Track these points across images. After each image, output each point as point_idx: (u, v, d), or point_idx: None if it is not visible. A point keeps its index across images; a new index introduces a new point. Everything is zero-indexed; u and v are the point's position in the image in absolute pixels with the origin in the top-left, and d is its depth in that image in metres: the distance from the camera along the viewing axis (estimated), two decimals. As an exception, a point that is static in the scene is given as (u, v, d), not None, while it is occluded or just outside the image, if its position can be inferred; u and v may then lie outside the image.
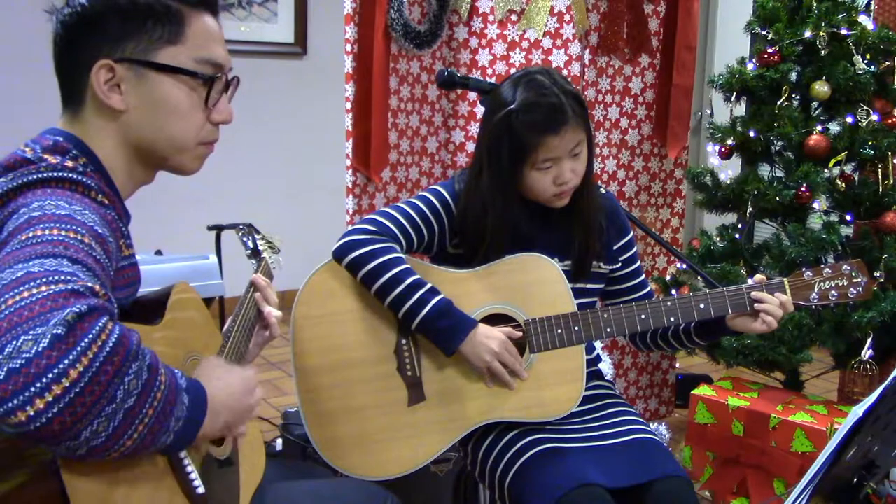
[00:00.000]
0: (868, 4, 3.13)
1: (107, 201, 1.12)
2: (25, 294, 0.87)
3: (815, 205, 2.76)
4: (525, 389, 1.76)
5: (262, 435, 1.56)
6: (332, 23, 4.00)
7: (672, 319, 1.78)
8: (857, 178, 2.89)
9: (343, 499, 1.49)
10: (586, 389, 1.81)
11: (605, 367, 2.51)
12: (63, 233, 0.97)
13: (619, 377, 3.28)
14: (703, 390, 2.65)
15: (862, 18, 2.79)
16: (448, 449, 1.76)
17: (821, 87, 2.76)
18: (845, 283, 1.82)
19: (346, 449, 1.73)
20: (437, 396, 1.75)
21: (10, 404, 0.83)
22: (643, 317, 1.78)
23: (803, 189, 2.71)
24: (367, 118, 2.70)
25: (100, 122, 1.16)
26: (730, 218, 3.05)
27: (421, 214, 1.78)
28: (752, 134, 2.86)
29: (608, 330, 1.78)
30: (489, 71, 2.92)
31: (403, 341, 1.76)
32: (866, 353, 2.64)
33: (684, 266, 2.94)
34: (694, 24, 3.16)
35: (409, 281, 1.68)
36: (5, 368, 0.83)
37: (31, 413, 0.83)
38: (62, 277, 0.90)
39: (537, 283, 1.78)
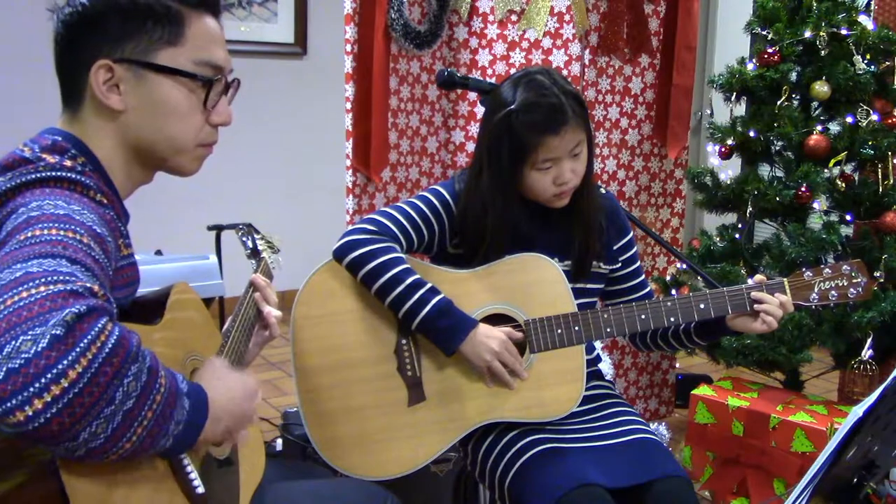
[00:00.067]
0: (868, 4, 3.13)
1: (105, 201, 1.12)
2: (24, 294, 0.87)
3: (815, 205, 2.75)
4: (525, 389, 1.76)
5: (262, 435, 1.56)
6: (332, 23, 4.00)
7: (672, 319, 1.78)
8: (857, 178, 2.89)
9: (343, 499, 1.49)
10: (586, 389, 1.81)
11: (605, 367, 2.51)
12: (62, 232, 0.97)
13: (619, 377, 3.28)
14: (703, 390, 2.65)
15: (862, 18, 2.79)
16: (448, 449, 1.76)
17: (821, 87, 2.76)
18: (845, 284, 1.82)
19: (346, 449, 1.73)
20: (437, 396, 1.75)
21: (8, 404, 0.83)
22: (643, 317, 1.78)
23: (803, 189, 2.71)
24: (367, 118, 2.70)
25: (98, 122, 1.16)
26: (730, 218, 3.05)
27: (421, 214, 1.78)
28: (752, 134, 2.86)
29: (608, 330, 1.78)
30: (489, 71, 2.92)
31: (403, 341, 1.76)
32: (866, 353, 2.64)
33: (684, 266, 2.94)
34: (694, 24, 3.16)
35: (409, 281, 1.68)
36: (4, 368, 0.83)
37: (30, 413, 0.83)
38: (61, 278, 0.90)
39: (537, 283, 1.78)
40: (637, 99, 3.19)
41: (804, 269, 1.83)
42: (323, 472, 2.16)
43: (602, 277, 1.89)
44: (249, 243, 1.78)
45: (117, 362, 0.89)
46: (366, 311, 1.75)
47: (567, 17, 2.84)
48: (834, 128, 2.83)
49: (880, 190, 2.79)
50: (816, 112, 2.88)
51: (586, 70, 2.99)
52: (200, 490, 1.10)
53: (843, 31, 2.75)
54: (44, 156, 1.10)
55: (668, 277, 3.15)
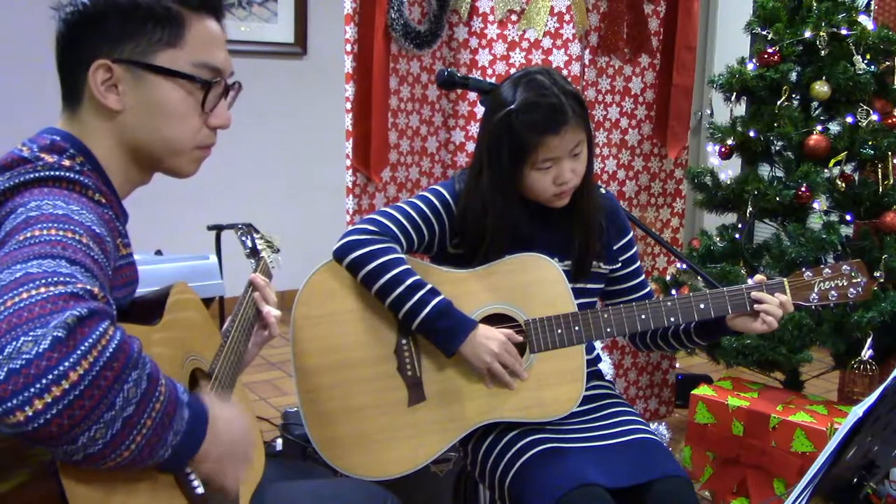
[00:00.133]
0: (868, 4, 3.13)
1: (104, 200, 1.12)
2: (24, 295, 0.87)
3: (815, 205, 2.75)
4: (525, 389, 1.76)
5: (262, 435, 1.56)
6: (332, 23, 4.00)
7: (672, 319, 1.78)
8: (857, 178, 2.89)
9: (343, 499, 1.49)
10: (586, 389, 1.81)
11: (605, 367, 2.51)
12: (61, 233, 0.97)
13: (619, 377, 3.28)
14: (703, 390, 2.65)
15: (862, 18, 2.78)
16: (448, 449, 1.76)
17: (821, 87, 2.76)
18: (845, 284, 1.82)
19: (346, 449, 1.73)
20: (437, 396, 1.75)
21: (9, 404, 0.83)
22: (643, 317, 1.78)
23: (803, 189, 2.71)
24: (367, 118, 2.70)
25: (96, 122, 1.16)
26: (730, 218, 3.04)
27: (421, 214, 1.78)
28: (752, 134, 2.86)
29: (608, 330, 1.78)
30: (489, 71, 2.92)
31: (403, 341, 1.76)
32: (866, 353, 2.64)
33: (684, 266, 2.94)
34: (694, 24, 3.16)
35: (409, 281, 1.68)
36: (5, 369, 0.83)
37: (30, 414, 0.83)
38: (61, 279, 0.90)
39: (537, 283, 1.78)
40: (637, 99, 3.19)
41: (804, 269, 1.83)
42: (323, 472, 2.17)
43: (602, 277, 1.89)
44: (249, 243, 1.78)
45: (118, 367, 0.89)
46: (366, 311, 1.75)
47: (567, 17, 2.84)
48: (834, 128, 2.83)
49: (880, 190, 2.79)
50: (816, 112, 2.88)
51: (586, 70, 2.99)
52: (200, 490, 1.10)
53: (843, 31, 2.75)
54: (42, 155, 1.10)
55: (668, 277, 3.15)
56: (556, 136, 1.67)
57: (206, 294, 2.79)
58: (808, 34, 2.77)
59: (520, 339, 1.74)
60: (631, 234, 1.94)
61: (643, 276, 1.96)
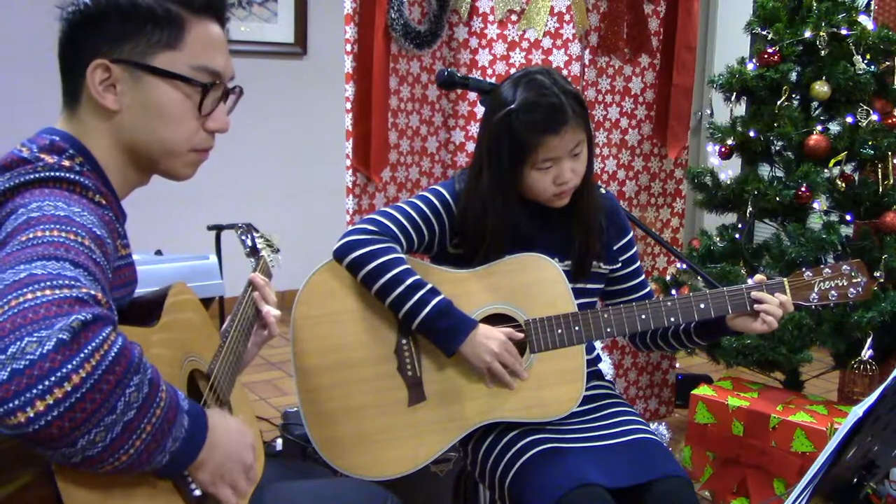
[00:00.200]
0: (868, 4, 3.13)
1: (104, 201, 1.12)
2: (29, 296, 0.87)
3: (815, 205, 2.75)
4: (525, 389, 1.76)
5: (262, 435, 1.56)
6: (332, 23, 4.00)
7: (672, 319, 1.78)
8: (857, 178, 2.89)
9: (343, 499, 1.49)
10: (586, 389, 1.81)
11: (605, 367, 2.51)
12: (63, 234, 0.97)
13: (619, 377, 3.28)
14: (703, 390, 2.65)
15: (862, 18, 2.78)
16: (448, 449, 1.76)
17: (821, 87, 2.76)
18: (845, 284, 1.82)
19: (346, 449, 1.73)
20: (437, 396, 1.75)
21: (10, 404, 0.83)
22: (643, 317, 1.78)
23: (803, 189, 2.71)
24: (367, 118, 2.70)
25: (94, 122, 1.16)
26: (730, 218, 3.04)
27: (421, 214, 1.78)
28: (752, 134, 2.86)
29: (608, 330, 1.78)
30: (489, 71, 2.92)
31: (404, 341, 1.76)
32: (866, 353, 2.64)
33: (684, 266, 2.94)
34: (694, 24, 3.16)
35: (409, 281, 1.68)
36: (9, 369, 0.83)
37: (31, 415, 0.83)
38: (66, 282, 0.90)
39: (537, 283, 1.78)
40: (637, 99, 3.19)
41: (804, 269, 1.83)
42: (323, 472, 2.16)
43: (602, 277, 1.89)
44: (248, 242, 1.78)
45: (119, 371, 0.89)
46: (366, 311, 1.75)
47: (567, 17, 2.84)
48: (834, 128, 2.83)
49: (880, 190, 2.79)
50: (816, 112, 2.88)
51: (586, 70, 2.99)
52: (198, 493, 1.10)
53: (843, 31, 2.75)
54: (42, 156, 1.10)
55: (668, 277, 3.15)
56: (556, 135, 1.67)
57: (206, 294, 2.79)
58: (808, 34, 2.77)
59: (520, 336, 1.74)
60: (631, 234, 1.94)
61: (643, 277, 1.96)
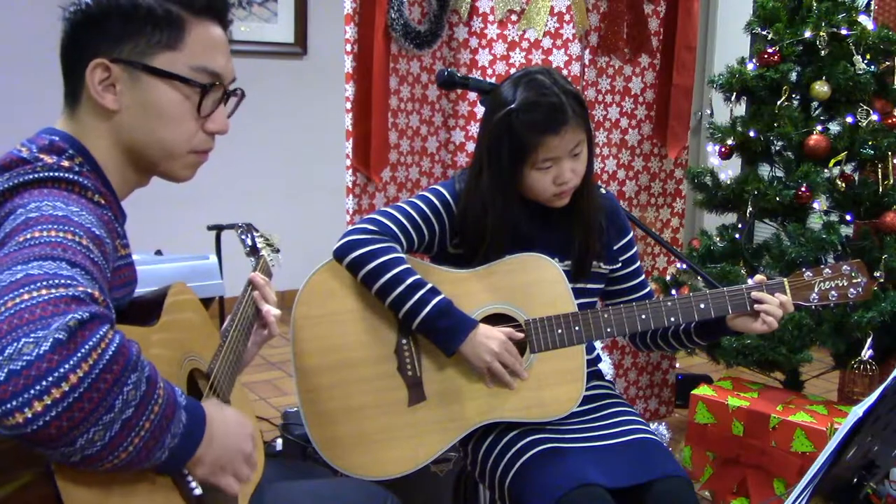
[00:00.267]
0: (868, 4, 3.13)
1: (103, 201, 1.12)
2: (26, 297, 0.87)
3: (815, 205, 2.75)
4: (525, 389, 1.76)
5: (262, 435, 1.56)
6: (332, 23, 4.00)
7: (672, 319, 1.78)
8: (857, 178, 2.89)
9: (343, 499, 1.49)
10: (586, 389, 1.81)
11: (605, 367, 2.51)
12: (61, 234, 0.97)
13: (619, 377, 3.28)
14: (703, 390, 2.65)
15: (862, 18, 2.78)
16: (448, 449, 1.76)
17: (821, 87, 2.76)
18: (845, 284, 1.82)
19: (346, 449, 1.73)
20: (437, 396, 1.75)
21: (8, 405, 0.83)
22: (643, 317, 1.78)
23: (803, 189, 2.71)
24: (367, 118, 2.70)
25: (94, 122, 1.16)
26: (730, 218, 3.04)
27: (421, 214, 1.78)
28: (752, 134, 2.86)
29: (608, 330, 1.78)
30: (489, 71, 2.92)
31: (404, 341, 1.76)
32: (866, 353, 2.63)
33: (684, 266, 2.94)
34: (694, 24, 3.16)
35: (409, 281, 1.68)
36: (6, 370, 0.83)
37: (29, 415, 0.83)
38: (62, 281, 0.90)
39: (537, 283, 1.78)
40: (637, 99, 3.19)
41: (804, 270, 1.83)
42: (323, 472, 2.17)
43: (602, 277, 1.89)
44: (248, 241, 1.78)
45: (117, 370, 0.89)
46: (366, 311, 1.75)
47: (567, 17, 2.84)
48: (834, 128, 2.83)
49: (880, 190, 2.79)
50: (816, 112, 2.88)
51: (586, 70, 2.99)
52: (198, 492, 1.10)
53: (843, 31, 2.75)
54: (41, 156, 1.10)
55: (668, 277, 3.15)
56: (556, 135, 1.67)
57: (206, 294, 2.79)
58: (808, 34, 2.77)
59: (520, 336, 1.74)
60: (631, 234, 1.94)
61: (643, 277, 1.96)
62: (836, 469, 1.33)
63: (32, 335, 0.85)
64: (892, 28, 2.89)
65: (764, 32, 2.89)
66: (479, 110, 2.80)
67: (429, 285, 1.69)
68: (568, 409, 1.77)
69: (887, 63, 2.80)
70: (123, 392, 0.89)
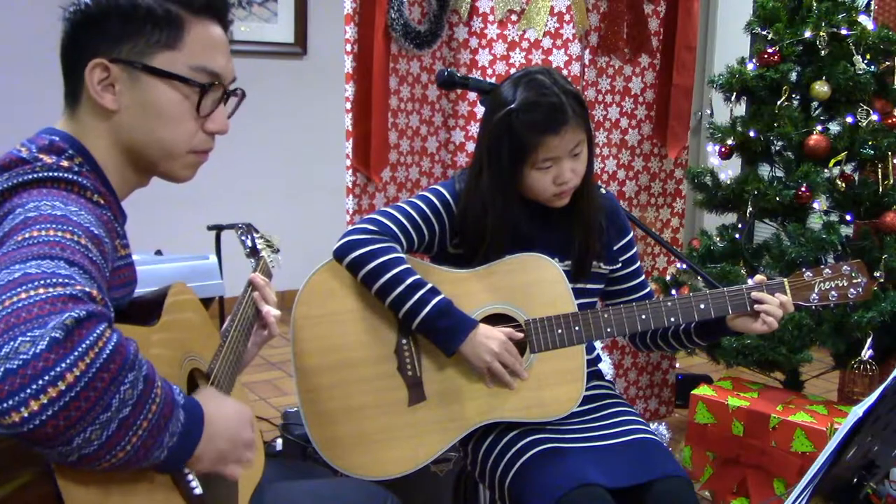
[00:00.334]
0: (868, 4, 3.13)
1: (102, 201, 1.12)
2: (23, 296, 0.87)
3: (815, 205, 2.75)
4: (525, 389, 1.76)
5: (262, 435, 1.56)
6: (332, 23, 4.00)
7: (672, 319, 1.78)
8: (857, 178, 2.89)
9: (343, 499, 1.49)
10: (586, 389, 1.81)
11: (605, 367, 2.51)
12: (59, 233, 0.97)
13: (619, 377, 3.28)
14: (703, 390, 2.65)
15: (862, 18, 2.78)
16: (448, 449, 1.76)
17: (821, 87, 2.76)
18: (845, 284, 1.82)
19: (346, 449, 1.73)
20: (437, 396, 1.75)
21: (5, 404, 0.83)
22: (643, 317, 1.78)
23: (803, 189, 2.71)
24: (367, 118, 2.70)
25: (93, 122, 1.16)
26: (730, 218, 3.04)
27: (421, 214, 1.78)
28: (752, 134, 2.86)
29: (608, 330, 1.78)
30: (489, 71, 2.92)
31: (404, 341, 1.76)
32: (866, 353, 2.64)
33: (684, 266, 2.94)
34: (694, 24, 3.16)
35: (409, 281, 1.68)
36: (2, 369, 0.83)
37: (26, 414, 0.83)
38: (60, 280, 0.90)
39: (537, 283, 1.78)
40: (637, 99, 3.19)
41: (804, 270, 1.83)
42: (323, 472, 2.17)
43: (602, 278, 1.89)
44: (249, 242, 1.78)
45: (114, 369, 0.89)
46: (366, 311, 1.75)
47: (567, 17, 2.84)
48: (834, 128, 2.83)
49: (880, 190, 2.79)
50: (816, 112, 2.88)
51: (586, 70, 2.99)
52: (198, 491, 1.10)
53: (843, 31, 2.75)
54: (41, 156, 1.10)
55: (668, 277, 3.15)
56: (556, 135, 1.67)
57: (206, 294, 2.79)
58: (808, 34, 2.77)
59: (520, 336, 1.74)
60: (631, 234, 1.94)
61: (643, 277, 1.96)
62: (836, 469, 1.33)
63: (29, 334, 0.85)
64: (892, 28, 2.89)
65: (764, 32, 2.89)
66: (479, 110, 2.80)
67: (429, 285, 1.69)
68: (568, 409, 1.77)
69: (887, 63, 2.80)
70: (120, 391, 0.89)
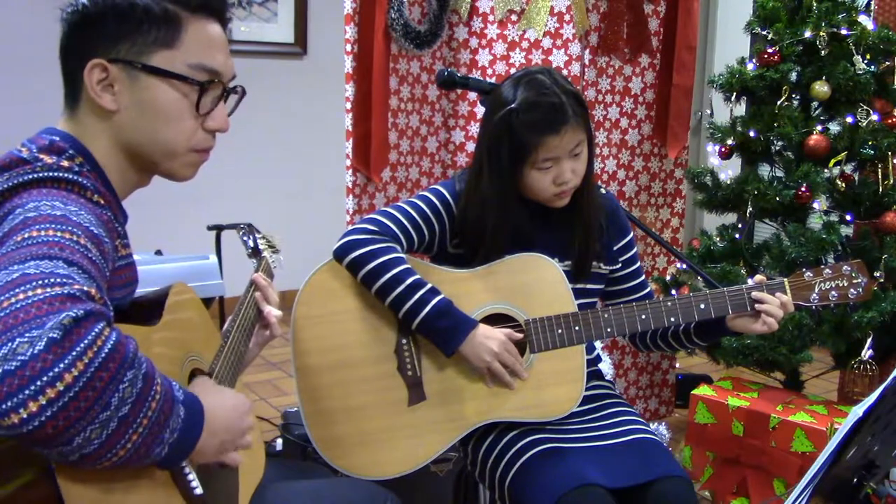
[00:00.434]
0: (868, 4, 3.13)
1: (103, 201, 1.12)
2: (21, 296, 0.87)
3: (815, 205, 2.75)
4: (525, 389, 1.76)
5: (262, 435, 1.56)
6: (332, 23, 4.00)
7: (672, 320, 1.78)
8: (857, 178, 2.89)
9: (343, 499, 1.49)
10: (586, 389, 1.81)
11: (605, 367, 2.51)
12: (59, 234, 0.97)
13: (619, 377, 3.28)
14: (703, 390, 2.65)
15: (862, 18, 2.78)
16: (448, 449, 1.76)
17: (821, 87, 2.76)
18: (845, 284, 1.82)
19: (347, 449, 1.73)
20: (437, 396, 1.75)
21: (3, 406, 0.83)
22: (643, 317, 1.78)
23: (803, 189, 2.71)
24: (367, 118, 2.70)
25: (93, 122, 1.16)
26: (730, 218, 3.05)
27: (421, 214, 1.78)
28: (752, 134, 2.86)
29: (608, 330, 1.78)
30: (489, 71, 2.92)
31: (404, 341, 1.76)
32: (866, 353, 2.64)
33: (684, 266, 2.94)
34: (694, 24, 3.16)
35: (409, 281, 1.68)
36: (0, 370, 0.83)
37: (25, 416, 0.83)
38: (58, 280, 0.90)
39: (537, 283, 1.78)
40: (637, 99, 3.19)
41: (804, 270, 1.83)
42: (323, 472, 2.16)
43: (602, 278, 1.89)
44: (250, 243, 1.78)
45: (113, 367, 0.89)
46: (366, 311, 1.75)
47: (567, 17, 2.84)
48: (834, 128, 2.83)
49: (880, 190, 2.79)
50: (816, 112, 2.88)
51: (586, 70, 2.99)
52: (199, 491, 1.10)
53: (843, 31, 2.75)
54: (41, 156, 1.10)
55: (668, 277, 3.15)
56: (556, 135, 1.67)
57: (206, 294, 2.79)
58: (808, 34, 2.77)
59: (520, 336, 1.74)
60: (631, 234, 1.94)
61: (643, 277, 1.96)
62: (836, 469, 1.33)
63: (27, 334, 0.85)
64: (892, 28, 2.89)
65: (764, 32, 2.89)
66: (479, 110, 2.80)
67: (428, 285, 1.69)
68: (568, 409, 1.77)
69: (887, 63, 2.80)
70: (120, 389, 0.89)
